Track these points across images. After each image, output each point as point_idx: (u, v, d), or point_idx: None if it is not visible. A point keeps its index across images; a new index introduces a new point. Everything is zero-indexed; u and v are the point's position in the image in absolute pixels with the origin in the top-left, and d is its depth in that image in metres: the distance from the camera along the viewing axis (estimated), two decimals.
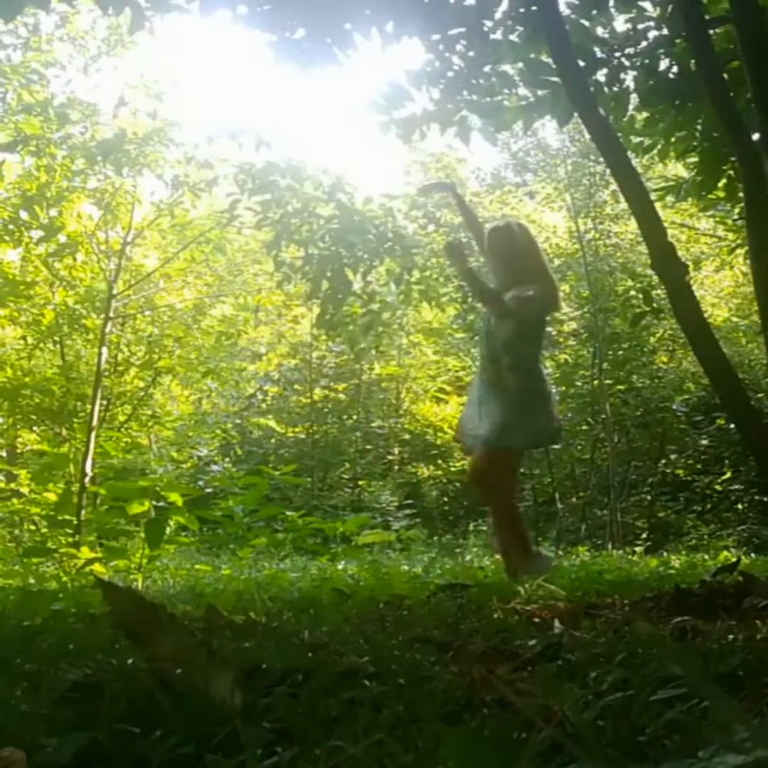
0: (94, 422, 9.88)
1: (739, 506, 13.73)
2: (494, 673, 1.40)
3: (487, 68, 4.48)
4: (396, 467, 17.46)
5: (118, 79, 13.14)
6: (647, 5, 4.41)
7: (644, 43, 4.42)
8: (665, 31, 4.38)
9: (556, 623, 2.05)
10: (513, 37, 4.35)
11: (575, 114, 3.82)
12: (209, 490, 11.10)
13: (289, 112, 35.06)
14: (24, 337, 12.49)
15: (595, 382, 14.18)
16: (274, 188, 7.77)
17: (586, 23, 4.31)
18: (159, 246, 12.76)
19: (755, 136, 3.33)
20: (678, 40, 4.28)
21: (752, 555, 7.92)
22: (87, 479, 8.99)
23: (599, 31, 4.41)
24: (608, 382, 14.11)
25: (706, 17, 3.91)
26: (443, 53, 4.41)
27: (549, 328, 15.33)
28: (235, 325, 12.70)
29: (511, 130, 4.97)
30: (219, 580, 4.63)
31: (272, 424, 17.03)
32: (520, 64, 4.43)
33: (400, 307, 9.66)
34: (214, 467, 15.26)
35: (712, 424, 14.19)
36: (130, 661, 1.47)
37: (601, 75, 4.44)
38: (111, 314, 10.35)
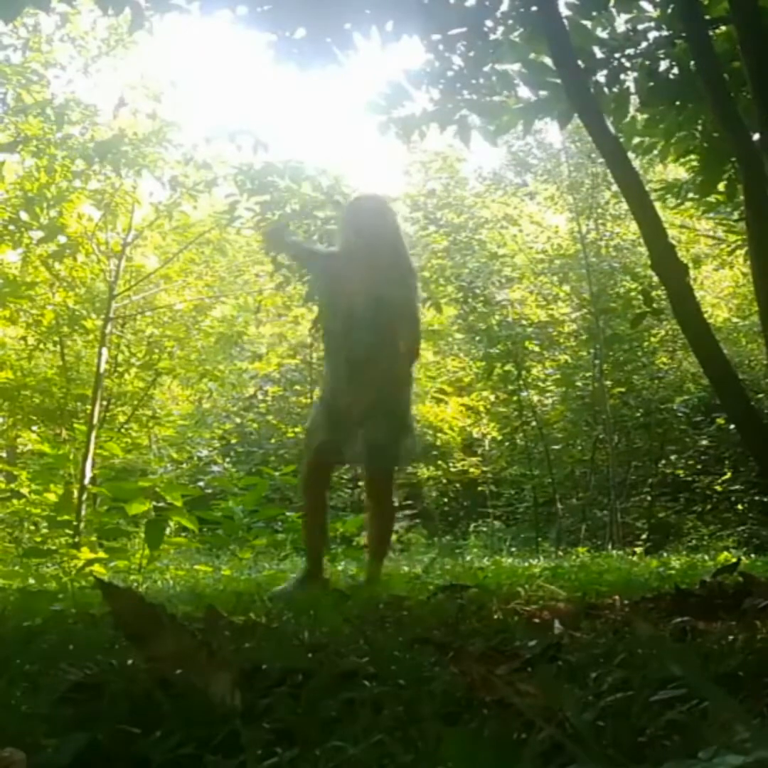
0: (95, 423, 9.89)
1: (740, 507, 13.73)
2: (494, 673, 1.40)
3: (487, 68, 4.48)
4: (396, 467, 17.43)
5: (118, 80, 13.17)
6: (647, 6, 4.42)
7: (644, 44, 4.43)
8: (665, 32, 4.38)
9: (556, 624, 2.05)
10: (513, 37, 4.35)
11: (575, 115, 3.82)
12: (209, 490, 11.10)
13: (288, 113, 35.08)
14: (24, 338, 12.50)
15: (595, 383, 14.19)
16: (273, 189, 7.77)
17: (587, 24, 4.31)
18: (159, 247, 12.77)
19: (755, 136, 3.34)
20: (678, 41, 4.28)
21: (752, 555, 7.91)
22: (87, 480, 9.00)
23: (599, 31, 4.41)
24: (608, 383, 14.11)
25: (707, 17, 3.91)
26: (443, 53, 4.40)
27: (549, 329, 15.40)
28: (234, 326, 12.72)
29: (513, 130, 4.96)
30: (219, 581, 4.63)
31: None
32: (521, 65, 4.42)
33: None
34: (214, 468, 15.26)
35: (712, 424, 14.19)
36: (130, 661, 1.47)
37: (601, 76, 4.44)
38: (111, 315, 10.36)
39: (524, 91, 4.57)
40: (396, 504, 4.20)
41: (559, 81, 3.92)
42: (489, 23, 4.32)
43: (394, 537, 11.14)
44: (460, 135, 4.69)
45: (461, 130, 4.66)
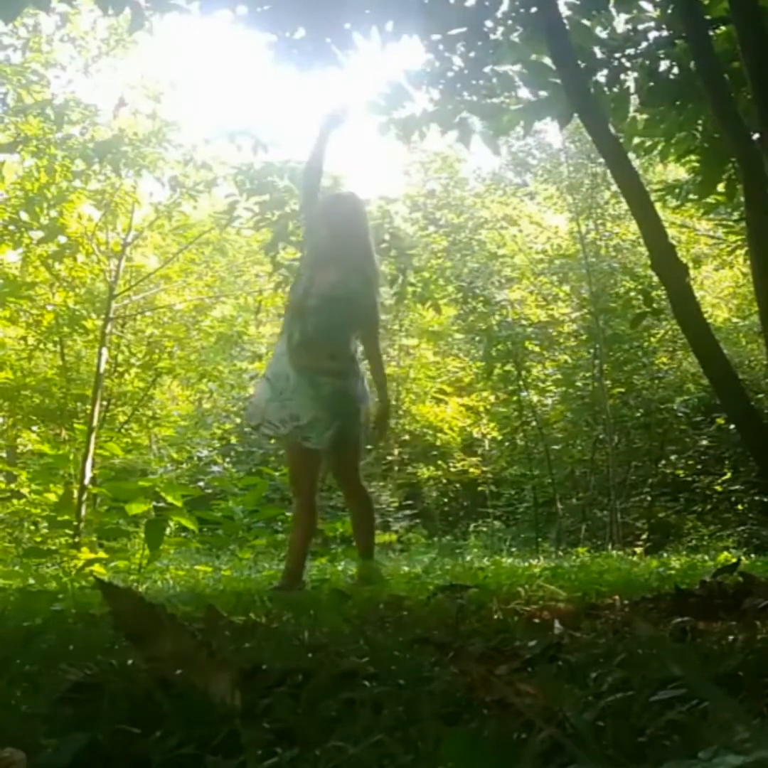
0: (95, 423, 9.88)
1: (740, 507, 13.73)
2: (494, 673, 1.40)
3: (487, 69, 4.47)
4: (396, 468, 17.47)
5: (118, 80, 13.19)
6: (647, 6, 4.42)
7: (644, 44, 4.42)
8: (665, 32, 4.38)
9: (556, 624, 2.05)
10: (513, 38, 4.34)
11: (575, 115, 3.82)
12: (209, 490, 11.10)
13: (288, 113, 35.11)
14: (24, 338, 12.50)
15: (595, 383, 14.19)
16: (272, 189, 7.76)
17: (587, 23, 4.31)
18: (159, 247, 12.77)
19: (755, 136, 3.34)
20: (678, 41, 4.28)
21: (752, 555, 7.91)
22: (87, 480, 9.00)
23: (599, 31, 4.40)
24: (608, 383, 14.11)
25: (707, 17, 3.91)
26: (443, 53, 4.40)
27: (549, 329, 15.41)
28: (234, 325, 12.73)
29: (513, 130, 4.96)
30: (219, 581, 4.63)
31: None
32: (521, 66, 4.42)
33: (396, 309, 9.64)
34: (215, 468, 15.26)
35: (712, 424, 14.19)
36: (130, 661, 1.47)
37: (601, 76, 4.44)
38: (111, 315, 10.35)
39: (524, 92, 4.57)
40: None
41: (559, 81, 3.92)
42: (489, 23, 4.31)
43: (394, 537, 11.15)
44: (462, 139, 4.69)
45: (462, 134, 4.65)
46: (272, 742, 1.09)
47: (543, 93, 4.44)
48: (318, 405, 3.92)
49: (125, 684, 1.31)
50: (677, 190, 5.52)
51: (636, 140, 4.86)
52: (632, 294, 12.46)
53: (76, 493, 8.59)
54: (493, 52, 4.37)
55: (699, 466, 14.48)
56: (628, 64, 4.45)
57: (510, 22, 4.33)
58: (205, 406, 17.10)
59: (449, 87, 4.50)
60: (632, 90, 4.53)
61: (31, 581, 4.66)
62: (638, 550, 10.81)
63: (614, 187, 11.98)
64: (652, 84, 4.46)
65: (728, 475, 14.00)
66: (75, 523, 7.50)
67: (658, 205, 4.37)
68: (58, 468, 8.47)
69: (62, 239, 9.88)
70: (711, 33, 3.82)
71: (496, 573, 4.41)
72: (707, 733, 0.98)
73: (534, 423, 14.84)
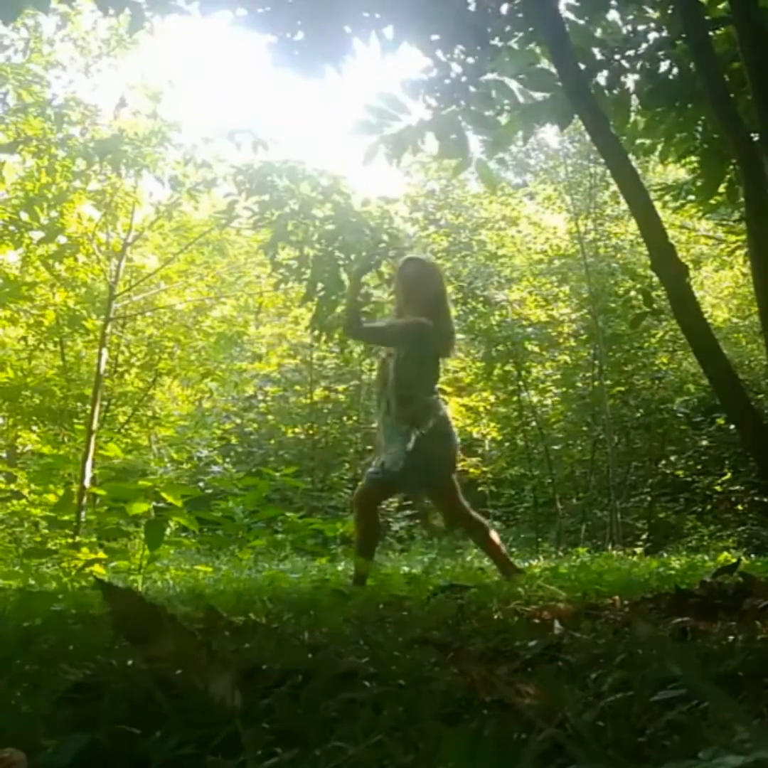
0: (95, 423, 9.88)
1: (739, 507, 13.73)
2: (494, 673, 1.40)
3: (485, 78, 4.44)
4: None
5: (119, 80, 13.21)
6: (648, 7, 4.41)
7: (644, 45, 4.42)
8: (665, 33, 4.37)
9: (556, 624, 2.05)
10: (512, 44, 4.33)
11: (575, 116, 3.82)
12: (209, 490, 11.09)
13: (287, 114, 35.13)
14: (24, 338, 12.50)
15: (595, 383, 14.19)
16: (272, 189, 7.75)
17: (587, 25, 4.30)
18: (159, 247, 12.77)
19: (755, 136, 3.33)
20: (678, 42, 4.27)
21: (752, 556, 7.92)
22: (87, 480, 8.99)
23: (599, 32, 4.40)
24: (608, 383, 14.11)
25: (707, 18, 3.91)
26: (441, 58, 4.37)
27: (549, 329, 15.37)
28: (234, 325, 12.73)
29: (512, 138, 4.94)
30: (219, 581, 4.63)
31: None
32: (520, 69, 4.40)
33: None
34: (215, 468, 15.26)
35: (712, 425, 14.19)
36: (130, 661, 1.47)
37: (601, 77, 4.43)
38: (111, 315, 10.35)
39: (523, 99, 4.55)
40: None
41: (558, 83, 3.91)
42: (488, 27, 4.30)
43: (393, 538, 11.15)
44: (460, 166, 4.68)
45: (460, 152, 4.61)
46: (272, 742, 1.09)
47: (541, 95, 4.43)
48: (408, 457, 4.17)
49: (125, 684, 1.31)
50: (676, 192, 5.52)
51: (636, 141, 4.86)
52: (632, 294, 12.46)
53: (76, 494, 8.59)
54: (492, 59, 4.35)
55: (699, 467, 14.48)
56: (627, 66, 4.45)
57: (508, 27, 4.31)
58: (205, 406, 17.11)
59: (447, 95, 4.46)
60: (632, 91, 4.53)
61: (31, 581, 4.66)
62: (638, 550, 10.82)
63: (613, 187, 11.98)
64: (652, 85, 4.45)
65: (728, 476, 13.99)
66: (75, 523, 7.49)
67: (658, 206, 4.36)
68: (58, 468, 8.47)
69: (62, 239, 9.88)
70: (711, 33, 3.82)
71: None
72: (707, 733, 0.98)
73: (534, 423, 14.83)
